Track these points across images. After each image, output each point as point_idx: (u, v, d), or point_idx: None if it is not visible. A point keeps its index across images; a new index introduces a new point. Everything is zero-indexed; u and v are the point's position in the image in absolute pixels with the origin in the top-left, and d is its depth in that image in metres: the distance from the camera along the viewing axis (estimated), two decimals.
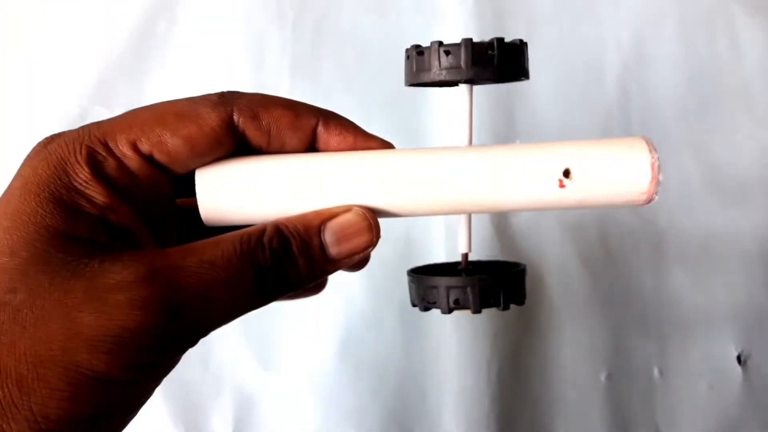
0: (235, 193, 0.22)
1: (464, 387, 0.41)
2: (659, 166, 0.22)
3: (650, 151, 0.22)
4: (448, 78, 0.26)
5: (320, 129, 0.22)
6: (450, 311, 0.26)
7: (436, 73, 0.26)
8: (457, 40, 0.25)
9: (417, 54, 0.27)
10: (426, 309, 0.27)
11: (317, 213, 0.21)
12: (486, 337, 0.42)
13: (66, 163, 0.19)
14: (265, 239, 0.19)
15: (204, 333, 0.19)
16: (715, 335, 0.42)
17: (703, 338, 0.42)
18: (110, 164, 0.20)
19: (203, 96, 0.21)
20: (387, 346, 0.42)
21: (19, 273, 0.17)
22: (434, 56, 0.26)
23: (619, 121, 0.50)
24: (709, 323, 0.43)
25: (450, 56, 0.25)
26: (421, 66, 0.27)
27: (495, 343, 0.42)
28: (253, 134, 0.21)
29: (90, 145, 0.19)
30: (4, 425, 0.16)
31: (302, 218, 0.20)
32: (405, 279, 0.33)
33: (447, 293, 0.26)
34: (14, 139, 0.49)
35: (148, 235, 0.21)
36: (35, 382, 0.17)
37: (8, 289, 0.17)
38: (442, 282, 0.26)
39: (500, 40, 0.25)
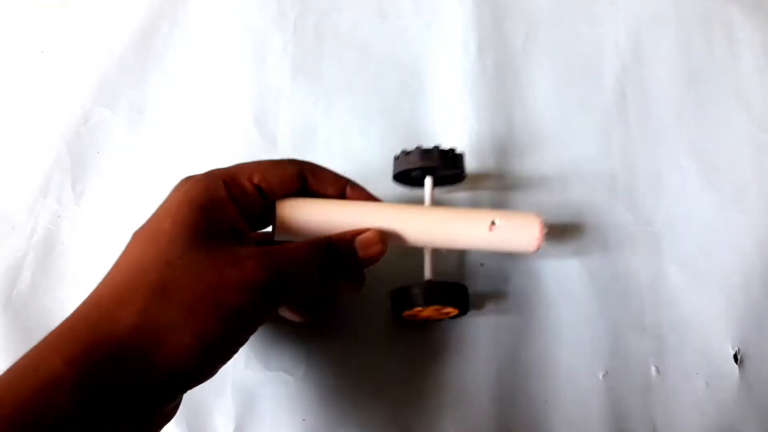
0: (302, 218, 0.35)
1: (463, 386, 0.41)
2: (544, 228, 0.37)
3: (539, 218, 0.37)
4: (421, 165, 0.41)
5: (348, 187, 0.37)
6: (426, 305, 0.38)
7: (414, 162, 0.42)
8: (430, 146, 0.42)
9: (404, 154, 0.42)
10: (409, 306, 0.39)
11: (352, 231, 0.35)
12: (484, 335, 0.43)
13: (210, 187, 0.31)
14: (324, 244, 0.33)
15: (291, 295, 0.31)
16: (712, 333, 0.43)
17: (700, 336, 0.43)
18: (236, 190, 0.32)
19: (281, 159, 0.35)
20: (387, 344, 0.42)
21: (183, 248, 0.28)
22: (415, 154, 0.42)
23: (616, 123, 0.50)
24: (706, 321, 0.43)
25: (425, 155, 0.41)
26: (405, 160, 0.42)
27: (493, 342, 0.43)
28: (311, 182, 0.35)
29: (225, 179, 0.32)
30: (173, 337, 0.26)
31: (343, 234, 0.34)
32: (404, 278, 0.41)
33: (423, 293, 0.39)
34: (16, 138, 0.49)
35: (251, 238, 0.34)
36: (202, 311, 0.27)
37: (178, 256, 0.28)
38: (418, 288, 0.39)
39: (452, 149, 0.42)
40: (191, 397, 0.41)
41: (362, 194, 0.37)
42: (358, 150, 0.49)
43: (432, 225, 0.37)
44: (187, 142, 0.49)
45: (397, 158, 0.43)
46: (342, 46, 0.53)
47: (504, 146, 0.49)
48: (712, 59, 0.53)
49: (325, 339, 0.42)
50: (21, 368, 0.25)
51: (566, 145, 0.49)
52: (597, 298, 0.44)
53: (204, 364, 0.28)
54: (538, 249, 0.37)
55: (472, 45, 0.53)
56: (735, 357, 0.42)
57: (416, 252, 0.41)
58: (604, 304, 0.44)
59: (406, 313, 0.40)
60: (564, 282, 0.44)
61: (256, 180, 0.33)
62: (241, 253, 0.29)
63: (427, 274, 0.40)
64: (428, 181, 0.42)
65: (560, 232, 0.46)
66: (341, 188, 0.36)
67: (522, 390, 0.41)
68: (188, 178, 0.32)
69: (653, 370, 0.42)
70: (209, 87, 0.52)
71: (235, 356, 0.42)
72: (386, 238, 0.36)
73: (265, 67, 0.52)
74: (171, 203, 0.31)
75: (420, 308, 0.39)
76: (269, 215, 0.35)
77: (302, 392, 0.41)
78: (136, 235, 0.31)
